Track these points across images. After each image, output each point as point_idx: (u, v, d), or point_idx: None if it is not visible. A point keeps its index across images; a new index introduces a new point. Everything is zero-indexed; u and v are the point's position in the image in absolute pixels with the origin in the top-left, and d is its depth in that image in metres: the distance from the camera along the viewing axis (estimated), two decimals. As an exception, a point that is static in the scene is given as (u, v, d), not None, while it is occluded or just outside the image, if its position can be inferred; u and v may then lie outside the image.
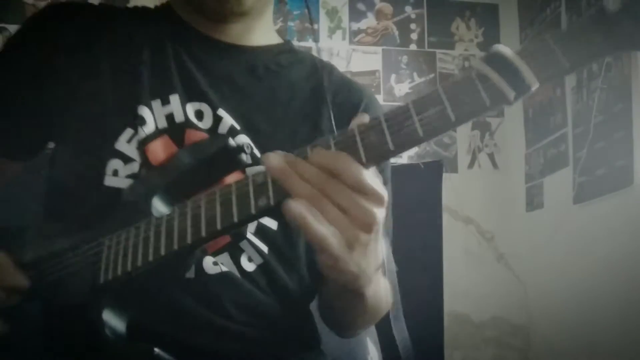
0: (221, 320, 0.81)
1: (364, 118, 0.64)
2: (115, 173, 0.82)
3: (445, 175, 1.84)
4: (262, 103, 0.90)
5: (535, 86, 0.58)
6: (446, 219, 2.19)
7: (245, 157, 0.77)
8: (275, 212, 0.64)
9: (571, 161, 2.43)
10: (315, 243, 0.61)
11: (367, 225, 0.61)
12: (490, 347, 2.77)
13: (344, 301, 0.79)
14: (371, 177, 0.61)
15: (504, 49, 0.60)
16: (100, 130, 0.84)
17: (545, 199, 2.66)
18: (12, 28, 2.69)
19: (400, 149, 0.61)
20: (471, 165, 2.91)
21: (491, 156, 2.93)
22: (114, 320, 0.72)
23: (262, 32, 0.96)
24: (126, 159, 0.83)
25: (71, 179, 0.86)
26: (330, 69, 0.99)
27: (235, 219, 0.65)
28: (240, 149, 0.77)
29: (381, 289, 0.79)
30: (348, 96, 0.95)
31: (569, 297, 2.40)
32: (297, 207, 0.60)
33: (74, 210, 0.84)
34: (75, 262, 0.76)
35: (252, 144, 0.86)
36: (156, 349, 0.69)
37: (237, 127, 0.87)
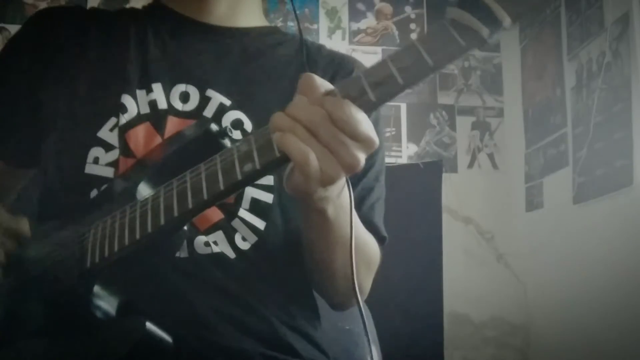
0: (212, 301, 0.80)
1: (309, 77, 0.66)
2: (96, 161, 0.83)
3: (444, 175, 1.85)
4: (252, 80, 0.90)
5: (506, 22, 0.60)
6: (446, 219, 2.19)
7: (228, 141, 0.76)
8: (261, 175, 0.65)
9: (571, 161, 2.43)
10: (295, 158, 0.62)
11: (351, 168, 0.63)
12: (490, 347, 2.77)
13: (311, 225, 0.79)
14: (366, 121, 0.63)
15: None
16: (84, 121, 0.85)
17: (545, 199, 2.66)
18: (12, 28, 2.69)
19: (382, 99, 0.62)
20: (471, 165, 2.91)
21: (491, 156, 2.93)
22: (104, 303, 0.71)
23: (248, 14, 0.97)
24: (107, 147, 0.83)
25: (54, 171, 0.86)
26: (318, 46, 1.00)
27: (222, 187, 0.65)
28: (223, 131, 0.77)
29: (345, 214, 0.77)
30: (340, 65, 0.97)
31: (568, 297, 2.40)
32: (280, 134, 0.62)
33: (58, 201, 0.84)
34: (62, 251, 0.76)
35: (246, 119, 0.86)
36: (148, 323, 0.68)
37: (227, 104, 0.87)
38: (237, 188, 0.67)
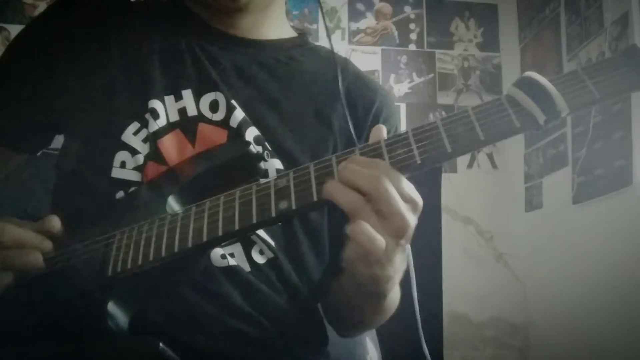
0: (226, 316, 0.79)
1: (382, 131, 0.66)
2: (123, 165, 0.82)
3: (444, 175, 1.85)
4: (272, 98, 0.89)
5: (565, 112, 0.60)
6: (445, 219, 2.19)
7: (264, 165, 0.75)
8: (296, 215, 0.65)
9: (570, 161, 2.43)
10: (362, 240, 0.61)
11: (402, 232, 0.62)
12: (489, 347, 2.77)
13: (359, 298, 0.78)
14: (407, 183, 0.63)
15: (536, 75, 0.62)
16: (108, 122, 0.84)
17: (544, 199, 2.67)
18: (12, 28, 2.69)
19: (427, 163, 0.62)
20: (470, 165, 2.91)
21: (490, 156, 2.93)
22: (118, 313, 0.71)
23: (273, 25, 0.95)
24: (133, 151, 0.83)
25: (79, 171, 0.86)
26: (344, 63, 0.98)
27: (254, 220, 0.65)
28: (260, 156, 0.77)
29: (396, 292, 0.80)
30: (361, 94, 0.94)
31: (568, 297, 2.40)
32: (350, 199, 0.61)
33: (82, 201, 0.84)
34: (85, 253, 0.75)
35: (262, 138, 0.85)
36: (161, 344, 0.67)
37: (248, 119, 0.85)
38: (269, 224, 0.67)
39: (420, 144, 0.62)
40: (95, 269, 0.73)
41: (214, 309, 0.79)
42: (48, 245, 0.75)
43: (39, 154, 0.98)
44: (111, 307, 0.70)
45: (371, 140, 0.66)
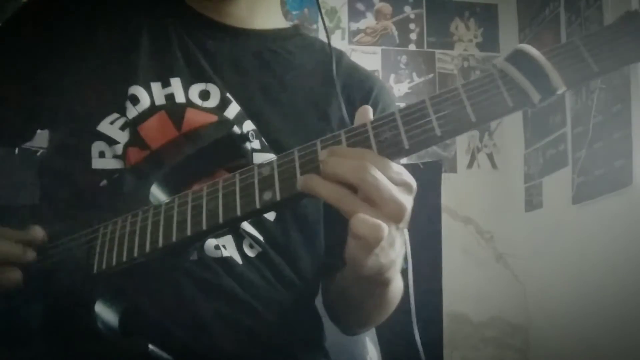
0: (217, 305, 0.78)
1: (368, 113, 0.63)
2: (102, 155, 0.80)
3: (444, 175, 1.84)
4: (268, 89, 0.87)
5: (561, 90, 0.56)
6: (445, 219, 2.19)
7: (249, 146, 0.73)
8: (281, 206, 0.62)
9: (570, 161, 2.43)
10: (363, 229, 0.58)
11: (397, 216, 0.59)
12: (489, 347, 2.77)
13: (364, 292, 0.77)
14: (397, 167, 0.60)
15: (530, 48, 0.58)
16: (87, 112, 0.82)
17: (544, 199, 2.67)
18: (11, 28, 2.69)
19: (416, 148, 0.59)
20: (470, 165, 2.91)
21: (490, 156, 2.93)
22: (106, 313, 0.69)
23: (267, 15, 0.94)
24: (109, 141, 0.81)
25: (61, 162, 0.84)
26: (340, 55, 0.95)
27: (239, 213, 0.62)
28: (245, 136, 0.75)
29: (398, 281, 0.78)
30: (358, 84, 0.93)
31: (568, 297, 2.40)
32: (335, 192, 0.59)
33: (67, 194, 0.83)
34: (69, 249, 0.73)
35: (258, 131, 0.83)
36: (151, 346, 0.66)
37: (244, 113, 0.84)
38: (254, 215, 0.65)
39: (408, 127, 0.59)
40: (81, 267, 0.71)
41: (209, 299, 0.77)
42: (31, 256, 0.73)
43: (25, 145, 0.98)
44: (99, 306, 0.69)
45: (357, 121, 0.64)
